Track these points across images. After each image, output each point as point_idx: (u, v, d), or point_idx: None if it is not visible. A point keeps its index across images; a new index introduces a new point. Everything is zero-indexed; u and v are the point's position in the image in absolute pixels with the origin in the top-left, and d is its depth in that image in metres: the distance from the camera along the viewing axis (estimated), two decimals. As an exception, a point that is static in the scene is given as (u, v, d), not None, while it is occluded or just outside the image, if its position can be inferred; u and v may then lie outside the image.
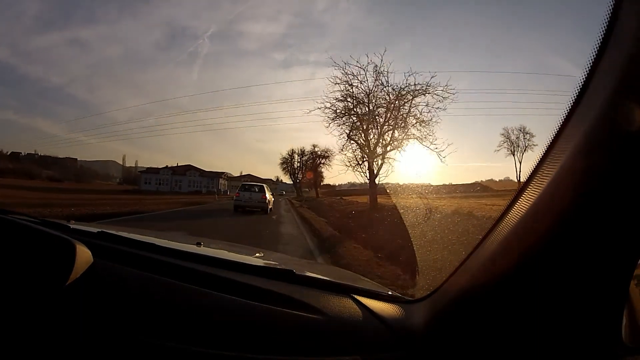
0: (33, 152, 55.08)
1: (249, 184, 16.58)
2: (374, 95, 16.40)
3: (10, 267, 0.64)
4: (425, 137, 15.65)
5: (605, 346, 0.54)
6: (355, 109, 16.81)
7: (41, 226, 0.78)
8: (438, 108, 15.46)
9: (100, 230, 0.98)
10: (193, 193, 46.13)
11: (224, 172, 59.01)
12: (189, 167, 55.59)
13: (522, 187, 0.57)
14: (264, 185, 16.29)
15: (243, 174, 66.00)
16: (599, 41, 0.47)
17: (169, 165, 56.39)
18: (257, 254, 1.56)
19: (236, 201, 14.79)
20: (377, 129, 16.44)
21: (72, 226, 1.01)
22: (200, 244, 1.18)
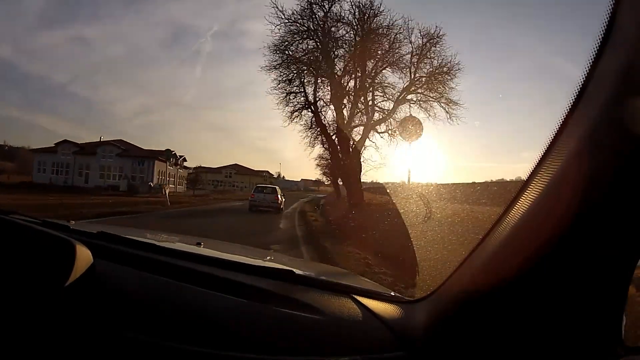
0: (2, 144, 47.47)
1: (262, 185, 18.22)
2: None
3: (10, 268, 0.64)
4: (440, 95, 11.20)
5: (605, 346, 0.54)
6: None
7: (41, 226, 0.79)
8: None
9: (100, 230, 0.98)
10: (104, 190, 24.85)
11: (168, 150, 32.64)
12: (105, 143, 32.30)
13: (522, 187, 0.57)
14: (276, 187, 17.89)
15: (230, 164, 50.94)
16: (598, 41, 0.48)
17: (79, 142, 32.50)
18: (258, 254, 1.56)
19: (251, 201, 16.41)
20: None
21: (72, 226, 1.02)
22: (201, 244, 1.19)
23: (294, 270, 0.89)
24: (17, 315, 0.61)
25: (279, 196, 16.63)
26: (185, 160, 38.16)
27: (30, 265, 0.65)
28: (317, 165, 25.60)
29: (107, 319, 0.66)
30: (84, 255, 0.68)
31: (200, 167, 48.12)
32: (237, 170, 50.59)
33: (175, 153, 34.43)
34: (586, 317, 0.53)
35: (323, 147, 16.03)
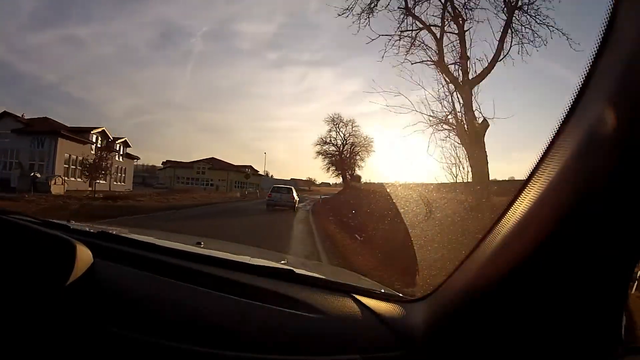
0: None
1: (279, 186, 19.72)
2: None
3: (10, 268, 0.64)
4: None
5: (605, 346, 0.54)
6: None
7: (41, 226, 0.79)
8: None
9: (100, 230, 0.98)
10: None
11: (99, 129, 22.32)
12: (5, 115, 20.72)
13: (521, 187, 0.57)
14: (292, 187, 19.64)
15: (204, 158, 41.83)
16: (598, 42, 0.47)
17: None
18: (258, 253, 1.56)
19: (268, 200, 17.95)
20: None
21: (72, 226, 1.02)
22: (201, 244, 1.19)
23: (294, 269, 0.89)
24: (17, 315, 0.62)
25: (294, 195, 18.45)
26: (129, 146, 25.76)
27: (31, 265, 0.65)
28: (318, 153, 23.53)
29: (108, 319, 0.66)
30: (84, 255, 0.68)
31: (169, 160, 41.58)
32: (213, 164, 40.81)
33: (104, 130, 21.61)
34: (586, 317, 0.53)
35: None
